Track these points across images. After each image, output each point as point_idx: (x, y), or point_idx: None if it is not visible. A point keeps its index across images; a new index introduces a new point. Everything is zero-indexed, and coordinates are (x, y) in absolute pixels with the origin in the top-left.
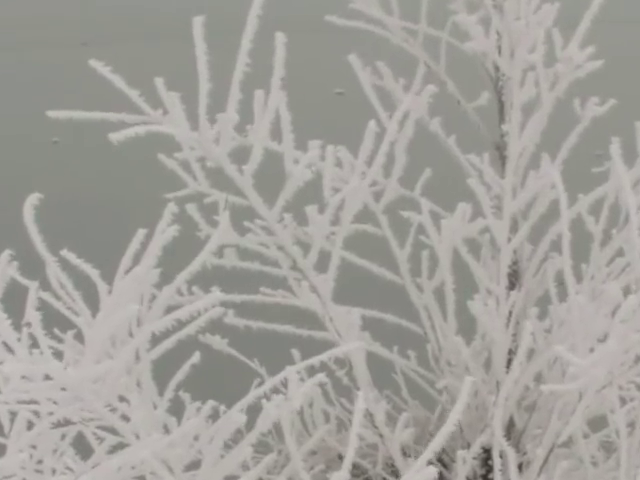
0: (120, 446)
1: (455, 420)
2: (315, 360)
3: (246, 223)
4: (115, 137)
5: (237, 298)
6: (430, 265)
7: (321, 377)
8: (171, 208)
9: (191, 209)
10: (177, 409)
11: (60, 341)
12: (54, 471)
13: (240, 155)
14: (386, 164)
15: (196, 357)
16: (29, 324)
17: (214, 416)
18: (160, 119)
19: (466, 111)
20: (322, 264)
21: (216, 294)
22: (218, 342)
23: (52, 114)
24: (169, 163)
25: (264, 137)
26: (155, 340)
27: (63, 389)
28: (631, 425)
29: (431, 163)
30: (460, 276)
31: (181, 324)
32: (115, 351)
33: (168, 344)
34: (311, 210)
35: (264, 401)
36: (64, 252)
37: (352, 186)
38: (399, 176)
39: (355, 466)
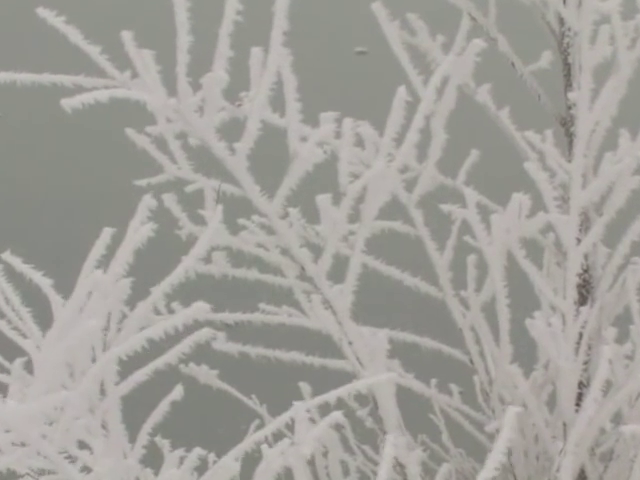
0: None
1: (494, 465)
2: (330, 396)
3: (241, 219)
4: (69, 104)
5: (230, 317)
6: (478, 274)
7: (338, 417)
8: (146, 200)
9: (169, 201)
10: (154, 458)
11: (5, 371)
12: None
13: (232, 130)
14: (420, 144)
15: (178, 392)
16: None
17: (201, 467)
18: (128, 82)
19: (522, 76)
20: (338, 272)
21: (201, 306)
22: (205, 373)
23: None
24: (139, 140)
25: (262, 107)
26: (126, 371)
27: (6, 431)
28: None
29: (478, 143)
30: (516, 288)
31: (159, 351)
32: (73, 383)
33: (142, 375)
34: (323, 202)
35: (265, 448)
36: (6, 255)
37: (376, 171)
38: (437, 159)
39: None
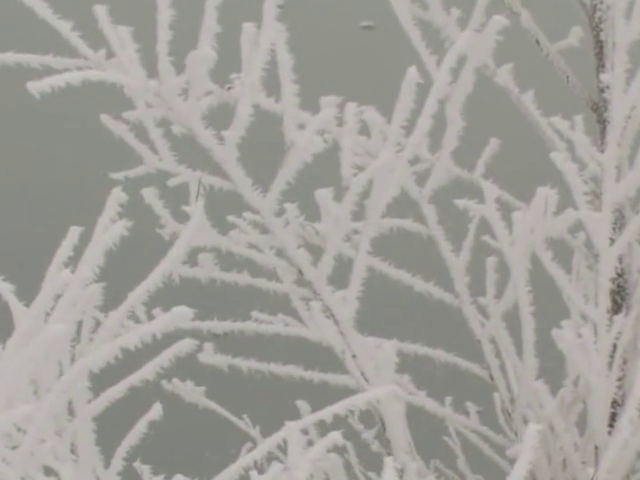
0: None
1: None
2: (326, 413)
3: (230, 217)
4: (36, 87)
5: (218, 326)
6: (498, 278)
7: (336, 437)
8: (116, 194)
9: (149, 196)
10: None
11: None
12: None
13: (220, 117)
14: (433, 131)
15: (157, 411)
16: None
17: None
18: (102, 63)
19: (548, 55)
20: (340, 277)
21: (183, 311)
22: (190, 390)
23: None
24: (116, 127)
25: (254, 90)
26: (98, 387)
27: None
28: None
29: (498, 131)
30: (541, 294)
31: (136, 364)
32: (38, 400)
33: (116, 392)
34: (324, 197)
35: (253, 474)
36: None
37: (383, 163)
38: (452, 149)
39: None
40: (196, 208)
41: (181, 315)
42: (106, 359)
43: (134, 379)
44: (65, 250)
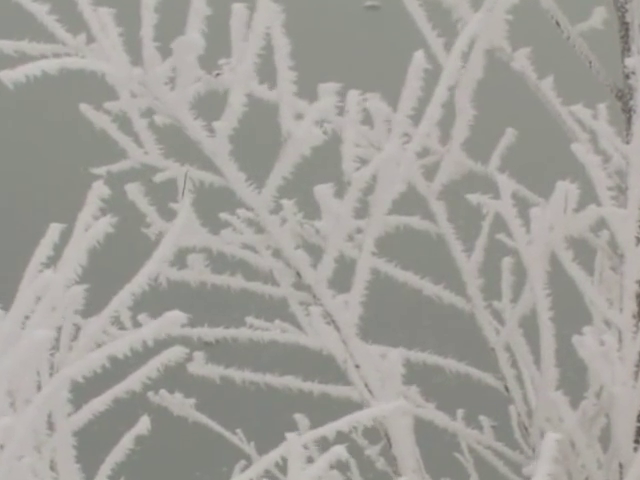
0: None
1: None
2: (329, 429)
3: (222, 215)
4: (10, 76)
5: (209, 333)
6: (515, 281)
7: (340, 452)
8: (97, 188)
9: (133, 192)
10: None
11: None
12: None
13: (210, 106)
14: (443, 121)
15: (144, 425)
16: None
17: None
18: (82, 49)
19: (569, 38)
20: (342, 279)
21: (176, 316)
22: (179, 403)
23: None
24: (97, 119)
25: (247, 77)
26: (80, 399)
27: None
28: None
29: (514, 120)
30: (561, 298)
31: (121, 374)
32: (14, 414)
33: (100, 405)
34: (324, 193)
35: None
36: None
37: (389, 155)
38: (464, 140)
39: None
40: (184, 205)
41: (174, 320)
42: (91, 369)
43: (119, 390)
44: (44, 249)
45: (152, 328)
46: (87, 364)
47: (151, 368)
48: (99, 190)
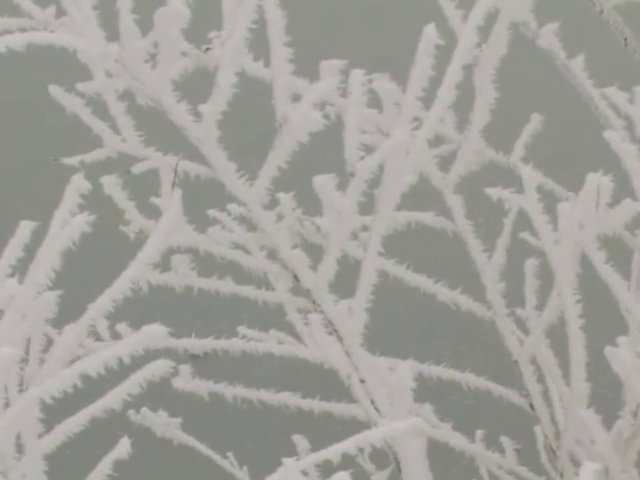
0: None
1: None
2: (332, 452)
3: (211, 210)
4: None
5: (197, 344)
6: (541, 285)
7: (344, 479)
8: (76, 182)
9: (110, 185)
10: None
11: None
12: None
13: (196, 87)
14: (459, 104)
15: (124, 448)
16: None
17: None
18: (51, 23)
19: (602, 12)
20: (345, 283)
21: (156, 330)
22: (164, 422)
23: None
24: (68, 102)
25: (238, 53)
26: (53, 419)
27: None
28: None
29: (540, 104)
30: (593, 305)
31: (98, 392)
32: None
33: (74, 425)
34: (324, 185)
35: None
36: None
37: (397, 143)
38: (484, 126)
39: None
40: (174, 199)
41: (154, 335)
42: (62, 388)
43: (96, 409)
44: (14, 249)
45: (129, 344)
46: (57, 383)
47: (132, 384)
48: (78, 184)
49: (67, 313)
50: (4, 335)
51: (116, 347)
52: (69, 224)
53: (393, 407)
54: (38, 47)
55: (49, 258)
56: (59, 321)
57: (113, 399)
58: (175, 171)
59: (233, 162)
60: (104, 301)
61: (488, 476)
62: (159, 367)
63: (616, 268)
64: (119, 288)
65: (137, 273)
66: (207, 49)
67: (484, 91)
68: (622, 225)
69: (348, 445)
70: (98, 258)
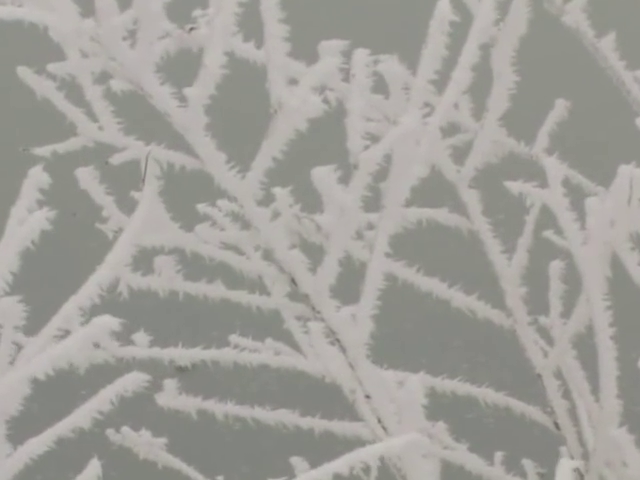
0: None
1: None
2: (328, 471)
3: (199, 206)
4: None
5: (183, 355)
6: (567, 290)
7: None
8: (35, 175)
9: (85, 178)
10: None
11: None
12: None
13: (181, 69)
14: (475, 88)
15: (94, 470)
16: None
17: None
18: None
19: None
20: (349, 287)
21: (105, 322)
22: (147, 443)
23: None
24: (38, 85)
25: (227, 32)
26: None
27: None
28: None
29: (565, 89)
30: (625, 312)
31: (67, 405)
32: None
33: (39, 446)
34: (324, 179)
35: None
36: None
37: (406, 131)
38: (502, 113)
39: None
40: (147, 193)
41: (104, 327)
42: (17, 397)
43: (63, 427)
44: None
45: (76, 340)
46: (7, 390)
47: (103, 400)
48: (37, 178)
49: (41, 322)
50: None
51: (62, 344)
52: (28, 221)
53: (402, 426)
54: (4, 23)
55: (5, 260)
56: (29, 330)
57: (81, 417)
58: (148, 162)
59: (223, 152)
60: (69, 310)
61: None
62: (132, 381)
63: None
64: (85, 295)
65: (105, 278)
66: (191, 29)
67: (503, 74)
68: None
69: (340, 464)
70: (74, 260)
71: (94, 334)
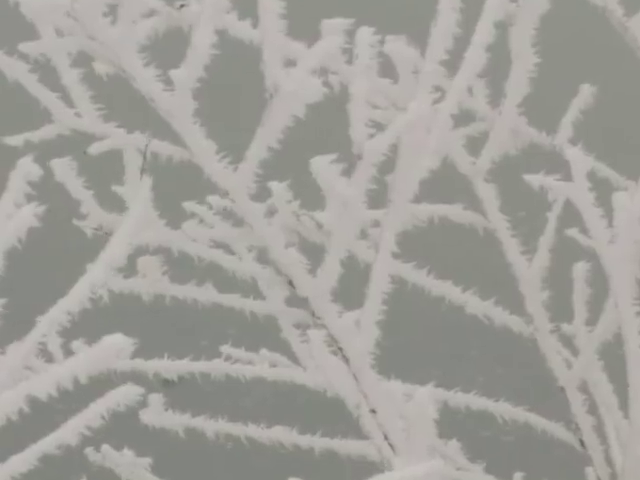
0: None
1: None
2: None
3: (187, 203)
4: None
5: (170, 367)
6: (592, 294)
7: None
8: (24, 166)
9: (61, 170)
10: None
11: None
12: None
13: (167, 49)
14: (490, 72)
15: None
16: None
17: None
18: None
19: None
20: (352, 291)
21: (118, 341)
22: (130, 463)
23: None
24: (10, 68)
25: (219, 9)
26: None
27: None
28: None
29: (591, 73)
30: None
31: (50, 421)
32: None
33: (19, 464)
34: (325, 171)
35: None
36: None
37: (415, 118)
38: (521, 100)
39: None
40: (144, 188)
41: (116, 348)
42: (4, 415)
43: (46, 445)
44: None
45: (86, 359)
46: None
47: (92, 415)
48: (26, 169)
49: (11, 327)
50: None
51: (70, 363)
52: (14, 218)
53: (411, 444)
54: None
55: None
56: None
57: (68, 433)
58: (143, 153)
59: (213, 141)
60: (57, 314)
61: None
62: (125, 395)
63: None
64: (76, 298)
65: (99, 279)
66: (182, 6)
67: (522, 56)
68: None
69: None
70: (48, 260)
71: (104, 355)
